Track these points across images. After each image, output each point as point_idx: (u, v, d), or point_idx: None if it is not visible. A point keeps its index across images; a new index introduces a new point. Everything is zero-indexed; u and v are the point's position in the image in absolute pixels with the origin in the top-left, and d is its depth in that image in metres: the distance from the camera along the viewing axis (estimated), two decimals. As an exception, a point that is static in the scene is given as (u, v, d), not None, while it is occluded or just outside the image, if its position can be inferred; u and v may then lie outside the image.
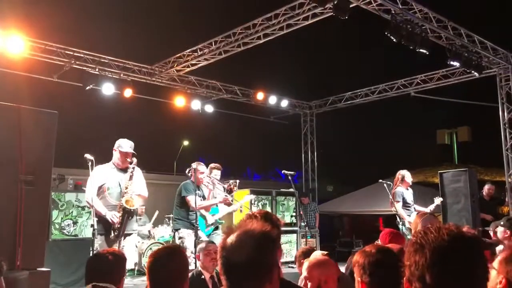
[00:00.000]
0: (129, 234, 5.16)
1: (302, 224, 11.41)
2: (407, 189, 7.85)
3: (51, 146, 4.23)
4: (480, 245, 1.25)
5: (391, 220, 8.45)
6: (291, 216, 11.12)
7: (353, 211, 14.89)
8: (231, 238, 1.51)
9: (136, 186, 5.23)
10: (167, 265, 2.22)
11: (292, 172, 7.28)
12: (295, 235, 10.94)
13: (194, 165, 6.23)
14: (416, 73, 11.81)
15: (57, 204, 7.84)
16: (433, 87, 11.72)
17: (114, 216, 4.92)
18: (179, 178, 9.49)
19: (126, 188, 5.08)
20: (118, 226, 4.92)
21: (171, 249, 2.35)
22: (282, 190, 10.99)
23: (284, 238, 10.83)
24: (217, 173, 6.85)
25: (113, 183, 5.14)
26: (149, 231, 9.68)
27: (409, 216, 7.66)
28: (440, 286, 1.17)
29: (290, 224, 11.02)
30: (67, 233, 7.79)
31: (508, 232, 3.81)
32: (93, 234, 4.73)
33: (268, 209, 10.31)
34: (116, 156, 5.27)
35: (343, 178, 17.17)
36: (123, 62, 10.53)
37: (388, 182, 8.06)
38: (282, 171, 7.20)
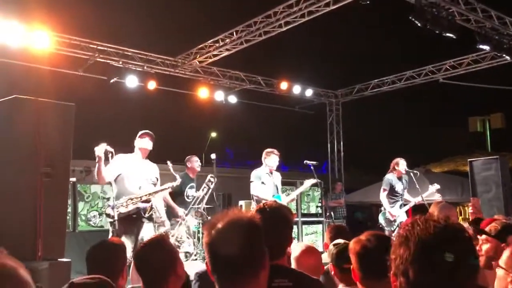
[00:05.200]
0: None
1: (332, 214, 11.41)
2: (399, 178, 7.58)
3: (69, 138, 4.26)
4: (468, 239, 1.15)
5: (421, 211, 8.25)
6: (317, 206, 11.02)
7: (379, 201, 14.63)
8: (218, 231, 1.42)
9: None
10: (150, 261, 2.20)
11: (315, 162, 7.18)
12: (320, 225, 10.84)
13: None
14: (445, 59, 11.46)
15: (83, 196, 7.99)
16: (462, 73, 11.35)
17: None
18: (207, 169, 9.52)
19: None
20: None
21: (153, 243, 2.32)
22: (288, 180, 10.89)
23: (309, 228, 10.77)
24: (275, 159, 6.68)
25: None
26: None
27: (393, 206, 7.44)
28: (423, 281, 1.09)
29: (315, 215, 10.93)
30: (93, 224, 7.93)
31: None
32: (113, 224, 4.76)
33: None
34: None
35: (370, 167, 16.89)
36: (146, 55, 10.60)
37: (415, 172, 7.83)
38: (305, 161, 7.11)
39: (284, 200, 6.80)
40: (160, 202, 5.56)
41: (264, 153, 6.72)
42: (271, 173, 6.69)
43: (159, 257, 2.19)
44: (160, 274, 2.17)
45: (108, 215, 4.95)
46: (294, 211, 6.87)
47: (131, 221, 4.99)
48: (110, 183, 5.15)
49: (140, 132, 5.34)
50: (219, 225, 1.43)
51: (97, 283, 1.81)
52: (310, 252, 3.01)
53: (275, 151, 6.69)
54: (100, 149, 4.87)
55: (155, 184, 5.35)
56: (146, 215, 5.15)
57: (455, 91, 14.37)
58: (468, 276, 1.11)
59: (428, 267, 1.09)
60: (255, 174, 6.66)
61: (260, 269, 1.43)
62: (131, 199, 5.00)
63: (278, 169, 6.95)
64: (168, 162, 5.58)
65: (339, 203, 12.18)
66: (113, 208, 4.83)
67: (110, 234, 4.90)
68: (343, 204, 12.17)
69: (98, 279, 1.83)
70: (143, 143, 5.29)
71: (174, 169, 5.66)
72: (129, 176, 5.14)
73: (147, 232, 5.10)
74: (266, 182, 6.59)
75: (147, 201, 5.12)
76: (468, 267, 1.13)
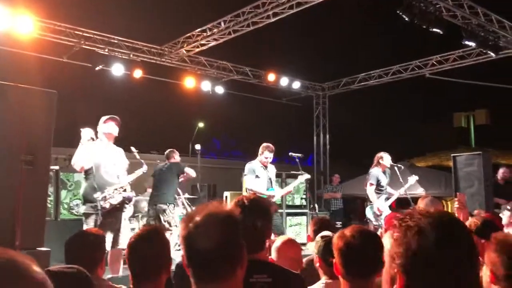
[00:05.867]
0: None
1: (333, 208, 11.58)
2: (383, 172, 7.65)
3: (51, 126, 4.19)
4: (470, 233, 1.15)
5: (404, 204, 8.31)
6: (301, 198, 11.06)
7: (364, 194, 14.75)
8: (195, 224, 1.38)
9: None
10: (144, 253, 2.13)
11: (300, 154, 7.19)
12: (305, 217, 10.89)
13: None
14: (431, 54, 11.52)
15: (65, 184, 7.90)
16: (449, 68, 11.44)
17: None
18: (194, 159, 9.50)
19: None
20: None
21: (148, 235, 2.24)
22: (292, 172, 10.91)
23: (294, 220, 10.80)
24: (267, 155, 6.63)
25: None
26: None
27: (379, 200, 7.53)
28: (432, 276, 1.08)
29: (300, 207, 10.98)
30: (75, 213, 7.84)
31: (512, 218, 3.68)
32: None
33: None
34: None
35: (355, 160, 17.00)
36: (133, 43, 10.47)
37: (399, 165, 7.89)
38: (290, 153, 7.11)
39: (278, 193, 6.79)
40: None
41: (261, 147, 6.71)
42: (266, 166, 6.68)
43: (154, 251, 2.13)
44: (153, 268, 2.11)
45: (102, 208, 4.81)
46: (279, 202, 6.87)
47: (113, 212, 4.92)
48: (87, 171, 5.01)
49: (105, 117, 5.13)
50: (197, 218, 1.39)
51: (73, 273, 1.77)
52: (290, 244, 3.02)
53: (271, 146, 6.67)
54: (87, 133, 4.81)
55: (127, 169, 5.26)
56: (130, 204, 5.10)
57: (441, 86, 14.49)
58: (473, 269, 1.13)
59: (436, 261, 1.08)
60: (249, 167, 6.63)
61: (237, 265, 1.41)
62: (116, 189, 4.93)
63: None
64: (132, 148, 5.43)
65: (333, 196, 12.31)
66: (105, 200, 4.78)
67: (89, 225, 4.82)
68: (339, 197, 12.31)
69: (74, 269, 1.79)
70: (108, 128, 5.10)
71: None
72: (105, 166, 5.01)
73: (125, 222, 5.08)
74: (260, 175, 6.58)
75: (125, 190, 5.05)
76: (473, 262, 1.13)
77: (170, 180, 7.18)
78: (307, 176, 7.05)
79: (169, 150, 7.75)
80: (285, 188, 7.25)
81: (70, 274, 1.77)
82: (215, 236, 1.37)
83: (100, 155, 5.01)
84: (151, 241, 2.17)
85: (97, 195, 4.86)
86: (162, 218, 6.95)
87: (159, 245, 2.16)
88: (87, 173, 5.01)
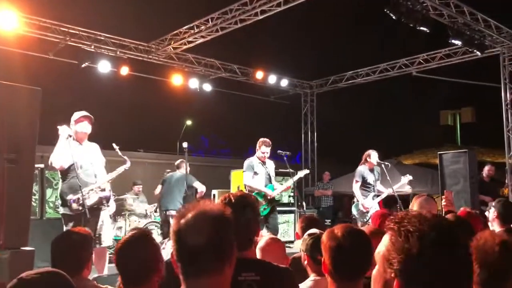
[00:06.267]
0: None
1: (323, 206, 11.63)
2: (371, 169, 7.69)
3: (35, 123, 4.12)
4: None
5: (392, 202, 8.35)
6: (289, 196, 11.07)
7: (351, 192, 14.83)
8: (185, 221, 1.40)
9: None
10: (134, 258, 2.10)
11: (288, 152, 7.18)
12: (292, 215, 10.89)
13: None
14: (418, 52, 11.60)
15: (51, 182, 7.81)
16: (435, 67, 11.53)
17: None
18: (182, 157, 9.42)
19: None
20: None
21: (137, 238, 2.20)
22: (280, 170, 10.91)
23: (281, 218, 10.80)
24: (265, 150, 6.62)
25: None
26: (146, 210, 9.65)
27: (366, 197, 7.57)
28: (433, 276, 1.07)
29: (287, 204, 10.98)
30: (61, 211, 7.75)
31: (496, 214, 3.71)
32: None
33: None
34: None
35: (343, 158, 17.08)
36: (119, 40, 10.37)
37: (386, 163, 7.92)
38: (278, 151, 7.10)
39: (277, 189, 6.77)
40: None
41: (258, 142, 6.70)
42: (264, 162, 6.66)
43: (143, 255, 2.09)
44: (142, 272, 2.07)
45: (76, 210, 4.70)
46: (278, 198, 6.87)
47: (92, 211, 4.79)
48: (65, 171, 4.89)
49: (76, 116, 4.97)
50: (189, 215, 1.41)
51: (46, 278, 1.64)
52: (274, 243, 3.02)
53: (267, 141, 6.65)
54: (64, 130, 4.72)
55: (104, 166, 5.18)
56: (109, 204, 5.00)
57: (427, 84, 14.62)
58: (471, 274, 1.13)
59: (437, 267, 1.07)
60: (247, 163, 6.62)
61: (225, 262, 1.41)
62: (92, 190, 4.84)
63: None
64: (114, 145, 5.24)
65: (324, 194, 12.36)
66: (79, 201, 4.67)
67: (69, 226, 4.71)
68: (330, 195, 12.38)
69: (49, 273, 1.69)
70: (82, 127, 4.97)
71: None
72: (82, 165, 4.89)
73: (108, 220, 5.02)
74: (258, 172, 6.57)
75: (104, 189, 4.96)
76: (471, 266, 1.14)
77: (179, 188, 8.04)
78: (306, 171, 7.18)
79: (179, 160, 8.64)
80: (284, 184, 7.25)
81: (41, 279, 1.63)
82: (204, 232, 1.38)
83: (77, 155, 4.86)
84: (138, 245, 2.14)
85: (70, 197, 4.74)
86: (171, 222, 6.95)
87: (147, 248, 2.13)
88: (65, 173, 4.90)
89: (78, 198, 4.70)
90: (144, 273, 2.07)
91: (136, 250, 2.12)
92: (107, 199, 4.92)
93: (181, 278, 1.42)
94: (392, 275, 1.11)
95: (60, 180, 5.05)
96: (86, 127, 5.00)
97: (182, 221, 1.40)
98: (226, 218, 1.46)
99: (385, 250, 1.14)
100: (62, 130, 4.76)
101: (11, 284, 1.64)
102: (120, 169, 5.16)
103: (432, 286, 1.07)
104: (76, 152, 4.88)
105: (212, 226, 1.39)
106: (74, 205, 4.71)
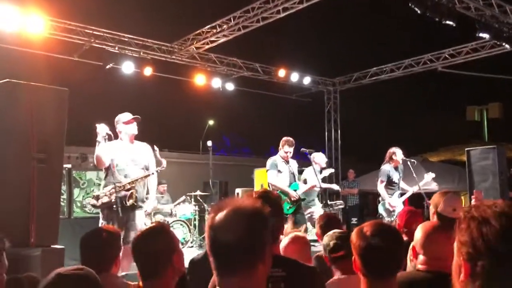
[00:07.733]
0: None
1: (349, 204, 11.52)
2: (396, 168, 7.54)
3: (63, 123, 4.19)
4: None
5: (417, 199, 8.21)
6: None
7: (376, 190, 14.66)
8: (220, 217, 1.39)
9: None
10: (145, 251, 2.10)
11: (311, 150, 7.13)
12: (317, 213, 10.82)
13: None
14: (444, 47, 11.37)
15: (78, 182, 7.92)
16: (461, 62, 11.28)
17: None
18: (205, 157, 9.48)
19: None
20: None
21: (150, 232, 2.20)
22: (303, 168, 10.86)
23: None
24: (288, 149, 6.60)
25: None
26: (171, 210, 9.73)
27: (391, 196, 7.43)
28: (486, 266, 1.11)
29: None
30: (88, 211, 7.86)
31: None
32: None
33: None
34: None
35: (367, 156, 16.90)
36: (143, 40, 10.47)
37: (412, 160, 7.78)
38: (301, 149, 7.05)
39: (301, 188, 6.72)
40: (150, 184, 5.31)
41: (281, 141, 6.67)
42: (287, 161, 6.62)
43: (155, 248, 2.10)
44: (155, 265, 2.07)
45: (94, 206, 4.90)
46: (303, 197, 6.78)
47: (113, 210, 4.84)
48: (105, 170, 5.04)
49: (126, 118, 5.09)
50: (224, 211, 1.40)
51: (81, 275, 1.71)
52: (297, 241, 3.01)
53: (290, 140, 6.62)
54: (103, 129, 4.79)
55: (147, 168, 5.19)
56: (128, 203, 4.98)
57: (453, 80, 14.31)
58: None
59: (498, 250, 1.11)
60: (271, 162, 6.58)
61: (258, 262, 1.39)
62: (114, 189, 4.88)
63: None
64: (155, 147, 5.32)
65: (350, 192, 12.26)
66: (97, 198, 4.79)
67: (101, 222, 4.83)
68: (356, 193, 12.27)
69: (83, 270, 1.74)
70: (132, 129, 5.10)
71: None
72: (118, 165, 4.97)
73: (140, 219, 5.05)
74: (282, 170, 6.54)
75: (129, 189, 4.95)
76: None
77: None
78: (331, 170, 7.07)
79: None
80: (309, 183, 7.16)
81: (78, 276, 1.71)
82: (236, 230, 1.36)
83: (116, 155, 4.97)
84: (153, 238, 2.14)
85: (97, 192, 4.94)
86: None
87: (162, 242, 2.12)
88: (105, 171, 5.05)
89: (98, 195, 4.87)
90: (157, 266, 2.06)
91: (149, 242, 2.13)
92: (125, 198, 4.91)
93: (214, 274, 1.41)
94: (461, 258, 1.18)
95: (104, 177, 5.22)
96: (134, 129, 5.13)
97: (216, 217, 1.39)
98: (261, 216, 1.43)
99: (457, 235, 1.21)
100: (100, 128, 4.82)
101: (49, 279, 1.69)
102: (150, 171, 5.21)
103: (494, 269, 1.12)
104: (119, 151, 5.00)
105: (244, 224, 1.37)
106: (93, 201, 4.89)
